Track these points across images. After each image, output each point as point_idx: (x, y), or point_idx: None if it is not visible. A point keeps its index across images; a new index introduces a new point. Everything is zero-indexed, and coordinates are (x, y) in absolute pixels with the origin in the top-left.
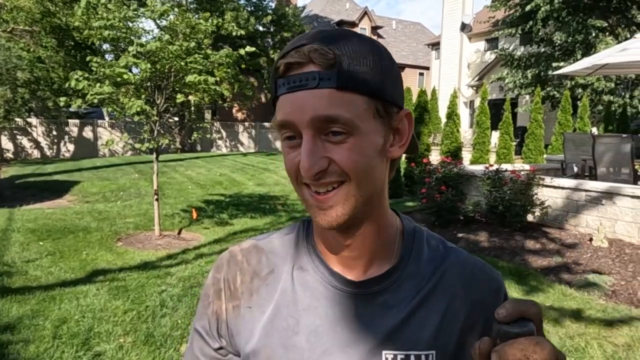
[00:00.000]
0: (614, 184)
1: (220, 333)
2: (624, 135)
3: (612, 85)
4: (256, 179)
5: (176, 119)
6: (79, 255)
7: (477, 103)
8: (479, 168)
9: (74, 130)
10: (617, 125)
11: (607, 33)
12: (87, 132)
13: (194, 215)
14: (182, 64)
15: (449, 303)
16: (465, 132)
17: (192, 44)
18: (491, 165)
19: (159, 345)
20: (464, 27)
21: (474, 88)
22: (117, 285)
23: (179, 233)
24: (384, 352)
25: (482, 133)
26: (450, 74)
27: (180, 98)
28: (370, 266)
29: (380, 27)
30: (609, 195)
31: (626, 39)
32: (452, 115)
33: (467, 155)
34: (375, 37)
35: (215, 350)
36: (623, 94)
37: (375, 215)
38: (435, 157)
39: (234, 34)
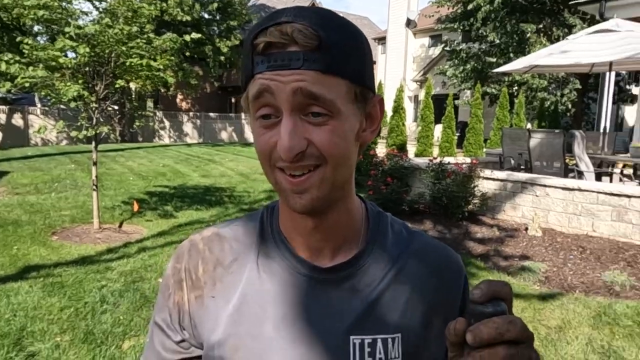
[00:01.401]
0: (545, 177)
1: (183, 325)
2: (556, 131)
3: (546, 83)
4: (201, 170)
5: (116, 107)
6: (8, 251)
7: (421, 97)
8: (423, 161)
9: (2, 118)
10: (550, 122)
11: (542, 34)
12: (17, 120)
13: (136, 207)
14: (123, 48)
15: (414, 286)
16: (410, 126)
17: (134, 29)
18: (435, 158)
19: (99, 342)
20: (409, 22)
21: (418, 83)
22: (53, 281)
23: (120, 226)
24: (351, 338)
25: (426, 127)
26: (396, 69)
27: (120, 84)
28: (337, 252)
29: None
30: (542, 186)
31: (558, 39)
32: (399, 109)
33: (411, 148)
34: None
35: (177, 344)
36: (555, 92)
37: (345, 200)
38: (381, 150)
39: (178, 19)
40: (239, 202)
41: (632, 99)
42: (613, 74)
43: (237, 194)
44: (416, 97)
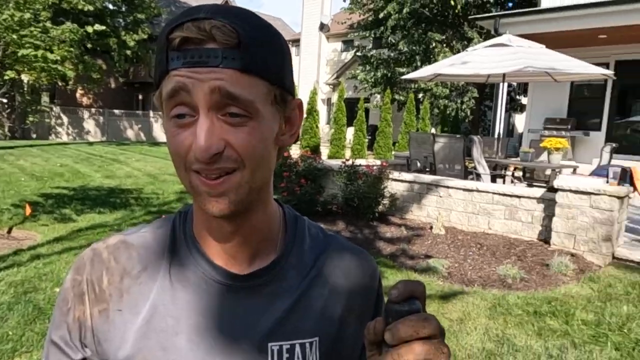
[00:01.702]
0: (448, 178)
1: (85, 342)
2: (457, 136)
3: (447, 91)
4: (104, 170)
5: (5, 100)
6: None
7: (334, 100)
8: (336, 163)
9: None
10: (451, 127)
11: (445, 45)
12: None
13: (28, 210)
14: (14, 37)
15: (331, 289)
16: (323, 128)
17: (27, 15)
18: (347, 160)
19: None
20: (322, 26)
21: (331, 86)
22: None
23: (9, 232)
24: (269, 345)
25: (338, 129)
26: (309, 72)
27: (10, 75)
28: (255, 258)
29: None
30: (445, 188)
31: (459, 51)
32: (312, 111)
33: (324, 150)
34: None
35: None
36: (456, 99)
37: (263, 204)
38: (294, 152)
39: (79, 8)
40: (146, 204)
41: (521, 108)
42: (506, 85)
43: (144, 196)
44: (329, 99)
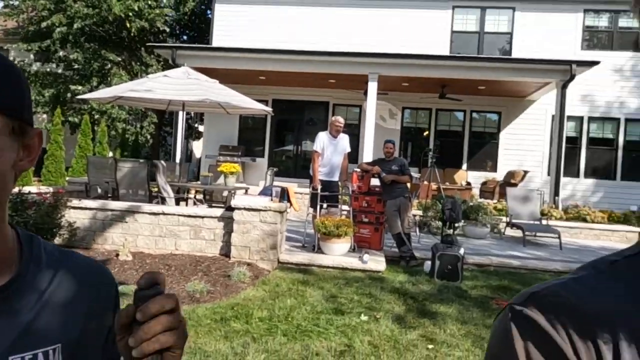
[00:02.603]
0: (135, 204)
1: None
2: (141, 161)
3: (125, 114)
4: None
5: None
6: None
7: None
8: None
9: None
10: (132, 151)
11: (122, 67)
12: None
13: None
14: None
15: (71, 300)
16: None
17: None
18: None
19: None
20: None
21: None
22: None
23: None
24: (10, 357)
25: None
26: None
27: None
28: None
29: None
30: (131, 213)
31: (137, 74)
32: None
33: None
34: None
35: None
36: (135, 123)
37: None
38: None
39: None
40: None
41: (198, 135)
42: (185, 113)
43: None
44: None
